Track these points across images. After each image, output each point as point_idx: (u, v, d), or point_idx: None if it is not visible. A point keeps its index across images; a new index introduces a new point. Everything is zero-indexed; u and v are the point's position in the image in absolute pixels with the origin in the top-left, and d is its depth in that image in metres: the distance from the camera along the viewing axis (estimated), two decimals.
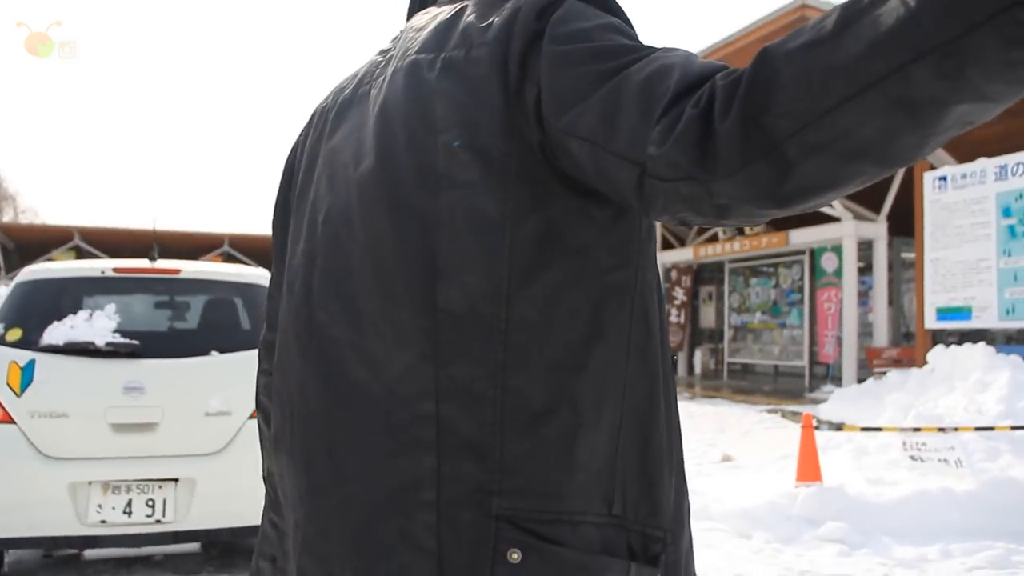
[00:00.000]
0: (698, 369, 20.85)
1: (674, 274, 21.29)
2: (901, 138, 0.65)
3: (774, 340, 18.68)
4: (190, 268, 4.97)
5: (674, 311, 21.23)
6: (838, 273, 15.59)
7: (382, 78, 1.02)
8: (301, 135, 1.19)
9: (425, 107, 0.92)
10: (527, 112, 0.87)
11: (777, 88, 0.67)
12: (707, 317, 21.60)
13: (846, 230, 15.19)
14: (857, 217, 15.33)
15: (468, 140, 0.88)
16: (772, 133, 0.67)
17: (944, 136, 0.66)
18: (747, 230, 19.20)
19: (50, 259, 35.24)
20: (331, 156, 1.05)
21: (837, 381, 15.33)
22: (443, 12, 1.01)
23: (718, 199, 0.73)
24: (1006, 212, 10.45)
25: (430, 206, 0.89)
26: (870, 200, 16.15)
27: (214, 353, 4.49)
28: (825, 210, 15.68)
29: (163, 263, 4.89)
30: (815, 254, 16.25)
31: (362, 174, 0.96)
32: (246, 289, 4.97)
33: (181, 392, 4.32)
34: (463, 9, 0.98)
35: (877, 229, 15.31)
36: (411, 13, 1.17)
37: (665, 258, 21.38)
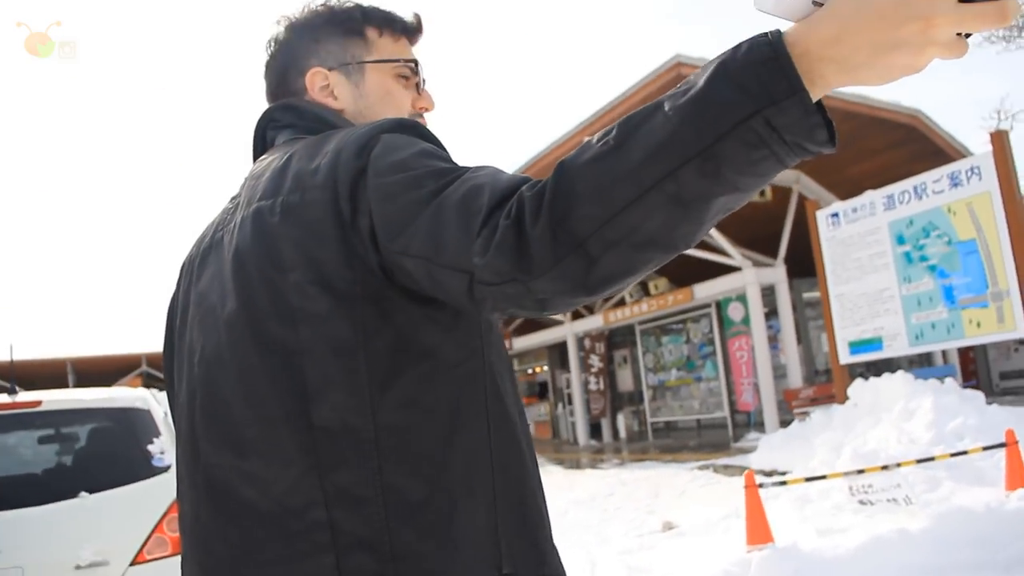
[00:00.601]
0: (623, 433, 20.57)
1: (587, 342, 21.12)
2: (679, 227, 0.81)
3: (692, 395, 18.59)
4: (53, 397, 4.38)
5: (592, 379, 21.00)
6: (746, 321, 15.63)
7: (232, 224, 1.12)
8: (176, 286, 1.28)
9: (273, 250, 1.02)
10: (364, 240, 0.97)
11: (576, 195, 0.80)
12: (625, 380, 21.45)
13: (748, 278, 15.28)
14: (756, 264, 15.48)
15: (315, 277, 0.99)
16: (576, 233, 0.80)
17: (712, 222, 0.83)
18: (651, 289, 19.24)
19: None
20: (200, 300, 1.14)
21: (760, 427, 15.22)
22: (275, 159, 1.13)
23: (538, 295, 0.86)
24: (899, 240, 10.59)
25: (291, 337, 1.00)
26: (766, 247, 16.36)
27: (84, 494, 3.89)
28: (725, 261, 15.80)
29: (23, 396, 4.28)
30: (721, 305, 16.33)
31: (228, 315, 1.06)
32: (121, 416, 4.34)
33: (45, 546, 3.70)
34: (291, 155, 1.10)
35: (777, 273, 15.46)
36: (255, 158, 1.29)
37: (576, 327, 21.23)
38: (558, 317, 21.40)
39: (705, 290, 16.84)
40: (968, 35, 0.74)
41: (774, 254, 15.87)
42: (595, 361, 21.11)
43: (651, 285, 19.41)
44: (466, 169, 0.96)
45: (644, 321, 19.78)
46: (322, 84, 1.26)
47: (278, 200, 1.05)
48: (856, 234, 11.22)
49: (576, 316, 21.66)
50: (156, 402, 4.54)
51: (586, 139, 0.85)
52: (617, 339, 21.58)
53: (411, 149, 1.00)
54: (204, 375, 1.10)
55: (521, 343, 24.88)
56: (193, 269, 1.21)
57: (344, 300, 0.99)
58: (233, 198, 1.21)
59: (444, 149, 1.06)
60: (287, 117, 1.25)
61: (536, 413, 25.67)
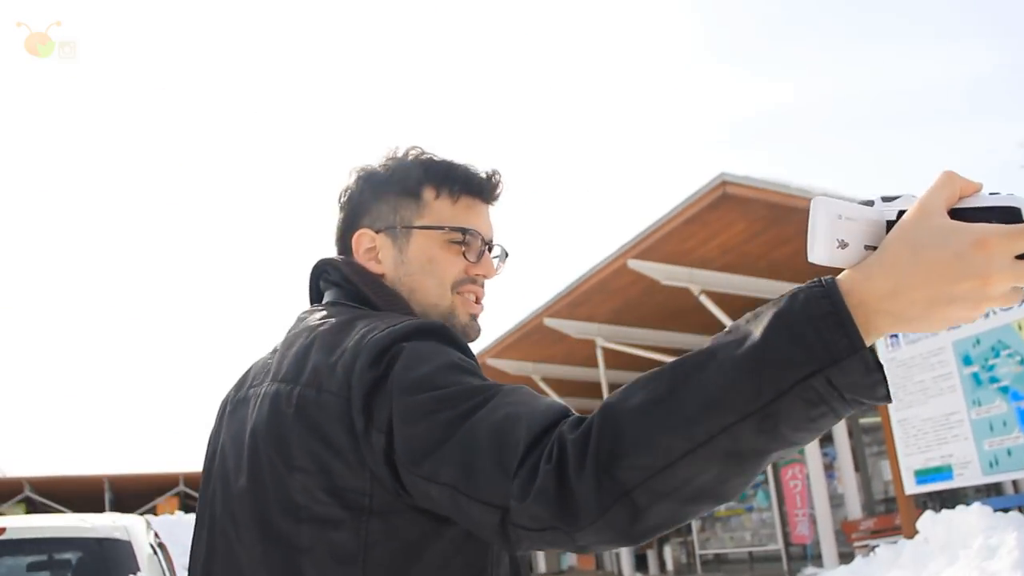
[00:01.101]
0: (670, 565, 19.63)
1: None
2: (731, 480, 0.80)
3: (744, 525, 17.74)
4: (20, 524, 3.93)
5: None
6: (800, 448, 14.98)
7: (261, 390, 1.11)
8: (215, 423, 1.25)
9: (284, 443, 1.01)
10: (376, 456, 0.94)
11: (624, 444, 0.78)
12: None
13: None
14: None
15: (324, 484, 0.97)
16: (623, 483, 0.78)
17: (761, 472, 0.83)
18: None
19: (154, 508, 33.43)
20: (222, 457, 1.15)
21: (818, 561, 14.37)
22: (302, 335, 1.11)
23: (580, 540, 0.83)
24: (966, 360, 10.10)
25: (294, 533, 0.99)
26: None
27: None
28: None
29: None
30: None
31: (239, 490, 1.07)
32: (96, 547, 3.77)
33: None
34: (314, 340, 1.07)
35: None
36: (311, 302, 1.29)
37: None
38: None
39: None
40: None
41: None
42: None
43: None
44: (498, 389, 0.93)
45: None
46: (368, 246, 1.24)
47: (295, 390, 1.04)
48: (918, 355, 10.73)
49: None
50: (142, 532, 4.00)
51: (633, 380, 0.84)
52: None
53: (437, 361, 0.96)
54: (219, 537, 1.11)
55: None
56: (224, 415, 1.22)
57: (352, 510, 0.97)
58: (273, 351, 1.20)
59: (470, 355, 1.04)
60: (333, 275, 1.24)
61: None
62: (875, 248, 0.77)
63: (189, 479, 29.89)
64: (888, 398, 0.76)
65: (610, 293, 15.36)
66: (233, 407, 1.18)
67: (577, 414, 0.86)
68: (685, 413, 0.77)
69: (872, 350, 0.75)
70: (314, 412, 0.99)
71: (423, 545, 0.98)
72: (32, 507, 35.40)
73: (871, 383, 0.75)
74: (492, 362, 18.36)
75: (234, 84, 77.33)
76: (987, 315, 9.92)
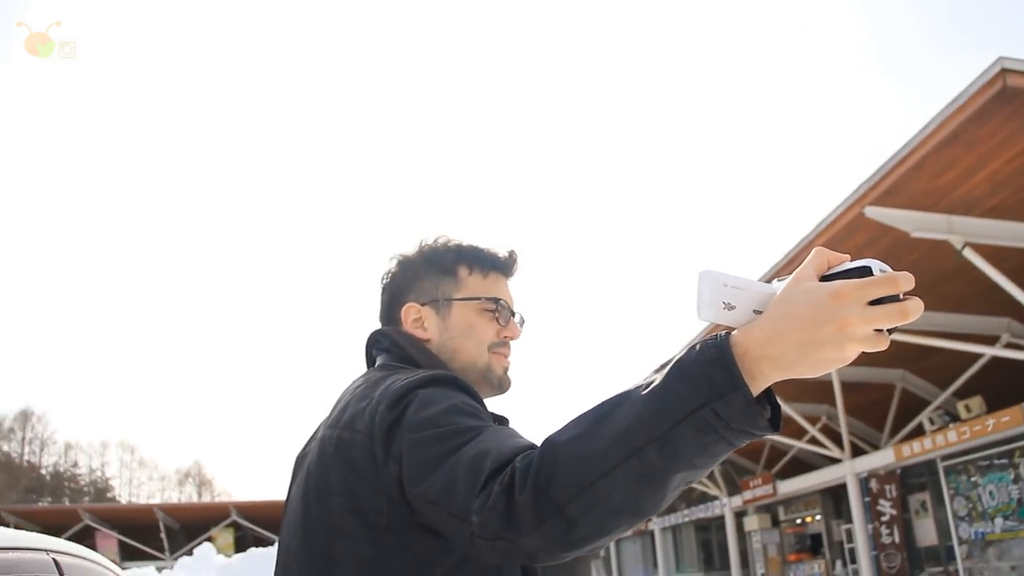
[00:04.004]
0: None
1: (874, 484, 17.02)
2: (645, 498, 0.96)
3: None
4: None
5: (883, 529, 16.75)
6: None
7: (318, 436, 1.35)
8: (291, 478, 1.45)
9: (325, 474, 1.25)
10: (392, 482, 1.15)
11: (558, 468, 0.96)
12: (926, 532, 16.94)
13: None
14: None
15: (352, 504, 1.20)
16: (557, 500, 0.95)
17: (676, 491, 0.99)
18: (961, 412, 15.10)
19: (209, 537, 34.78)
20: (290, 501, 1.37)
21: None
22: (350, 389, 1.38)
23: (525, 548, 1.00)
24: None
25: (330, 548, 1.22)
26: None
27: None
28: None
29: None
30: None
31: (295, 521, 1.30)
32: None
33: None
34: (354, 394, 1.31)
35: None
36: (368, 366, 1.53)
37: (859, 466, 17.28)
38: (834, 454, 17.52)
39: None
40: (890, 330, 0.89)
41: None
42: (885, 507, 16.91)
43: (960, 407, 15.24)
44: (485, 429, 1.12)
45: (951, 455, 15.52)
46: (414, 317, 1.47)
47: (335, 432, 1.26)
48: None
49: (857, 452, 17.65)
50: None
51: (570, 419, 1.02)
52: (913, 479, 17.21)
53: (442, 404, 1.17)
54: (282, 565, 1.33)
55: (787, 487, 20.92)
56: (295, 469, 1.42)
57: (372, 527, 1.18)
58: (332, 408, 1.39)
59: (476, 398, 1.26)
60: (384, 342, 1.47)
61: (808, 572, 21.28)
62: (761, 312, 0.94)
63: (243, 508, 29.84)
64: (771, 429, 0.94)
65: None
66: (299, 460, 1.42)
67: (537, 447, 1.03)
68: (604, 442, 0.95)
69: (769, 390, 0.96)
70: (348, 448, 1.22)
71: (432, 556, 1.18)
72: (240, 531, 36.08)
73: (752, 415, 0.90)
74: None
75: (234, 84, 77.73)
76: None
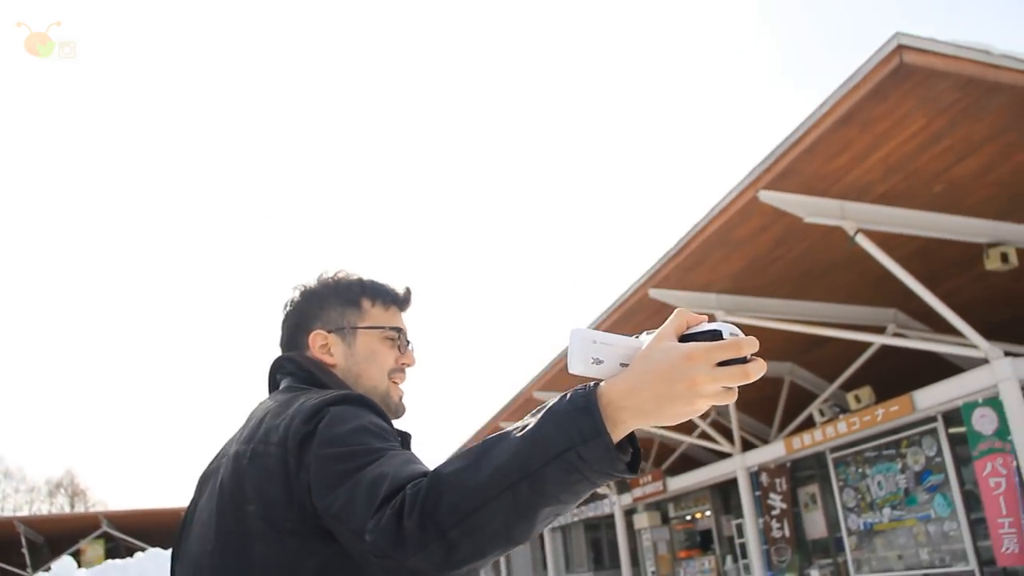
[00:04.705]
0: None
1: (764, 478, 16.87)
2: (517, 527, 1.06)
3: (917, 540, 14.00)
4: None
5: (774, 523, 16.62)
6: (1002, 434, 11.31)
7: (229, 452, 1.42)
8: (193, 495, 1.53)
9: (240, 485, 1.32)
10: (303, 490, 1.23)
11: (441, 498, 1.06)
12: (815, 525, 16.90)
13: (1001, 373, 11.13)
14: (1008, 355, 11.30)
15: (265, 511, 1.27)
16: (440, 524, 1.05)
17: (545, 522, 1.09)
18: (851, 403, 15.06)
19: (78, 550, 32.70)
20: (198, 514, 1.43)
21: None
22: (261, 409, 1.46)
23: (410, 567, 1.08)
24: None
25: (247, 553, 1.28)
26: (1017, 331, 12.22)
27: None
28: (962, 351, 11.70)
29: None
30: (962, 413, 11.93)
31: (208, 531, 1.35)
32: None
33: None
34: (268, 412, 1.40)
35: None
36: (269, 391, 1.61)
37: (749, 460, 17.11)
38: (724, 448, 17.33)
39: (931, 396, 12.65)
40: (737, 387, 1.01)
41: None
42: (776, 501, 16.80)
43: (850, 398, 15.20)
44: (387, 452, 1.21)
45: (840, 447, 15.48)
46: (321, 343, 1.56)
47: (250, 447, 1.34)
48: None
49: (748, 447, 17.51)
50: None
51: (455, 453, 1.13)
52: (803, 472, 17.18)
53: (352, 424, 1.26)
54: (191, 572, 1.38)
55: (677, 484, 20.72)
56: (201, 487, 1.48)
57: (282, 532, 1.25)
58: (240, 429, 1.48)
59: (383, 418, 1.35)
60: (289, 366, 1.55)
61: (698, 569, 21.13)
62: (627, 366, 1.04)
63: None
64: (629, 472, 1.05)
65: (734, 246, 11.99)
66: (205, 478, 1.48)
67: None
68: (483, 475, 1.05)
69: (630, 438, 1.08)
70: (263, 460, 1.30)
71: (339, 560, 1.23)
72: (111, 543, 33.98)
73: (611, 459, 1.01)
74: None
75: (234, 84, 76.53)
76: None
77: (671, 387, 0.98)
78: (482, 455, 1.07)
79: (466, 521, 1.04)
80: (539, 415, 1.06)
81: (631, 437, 1.08)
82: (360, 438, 1.23)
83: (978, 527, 12.91)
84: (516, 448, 1.04)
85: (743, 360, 0.98)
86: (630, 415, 1.01)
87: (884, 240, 11.12)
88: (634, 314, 14.26)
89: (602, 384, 1.04)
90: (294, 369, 1.54)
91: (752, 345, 0.99)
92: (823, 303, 14.12)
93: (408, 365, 1.62)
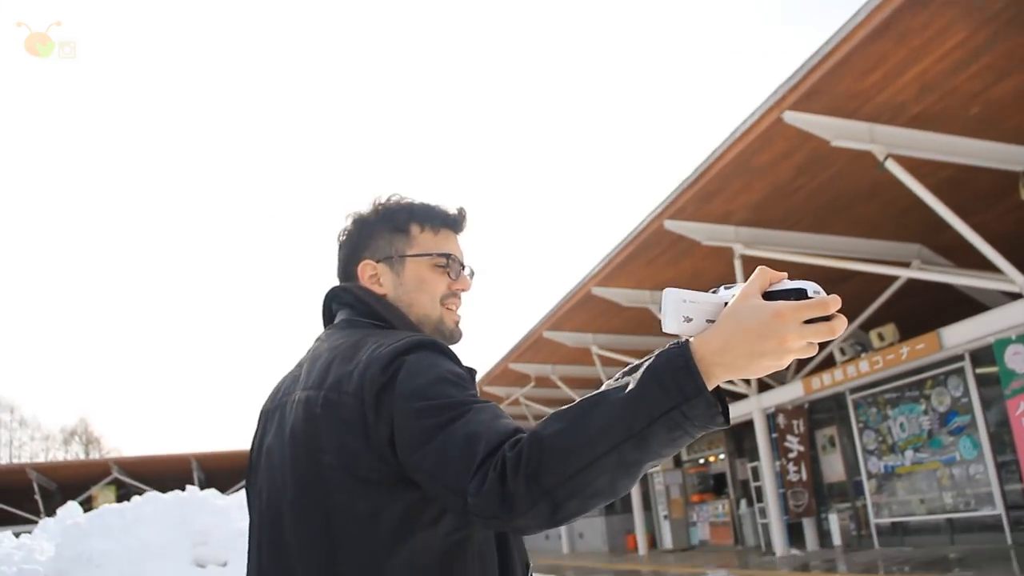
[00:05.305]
0: (836, 539, 15.54)
1: (781, 420, 16.37)
2: (619, 483, 1.10)
3: (941, 483, 13.55)
4: None
5: (791, 467, 16.17)
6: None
7: (293, 399, 1.43)
8: (255, 430, 1.58)
9: (315, 433, 1.33)
10: (381, 442, 1.25)
11: (545, 459, 1.08)
12: (833, 468, 16.46)
13: None
14: None
15: (343, 461, 1.28)
16: (544, 487, 1.08)
17: (641, 475, 1.14)
18: (874, 340, 14.48)
19: (90, 496, 32.78)
20: (268, 453, 1.45)
21: None
22: (324, 351, 1.44)
23: (516, 527, 1.14)
24: None
25: (325, 502, 1.30)
26: None
27: None
28: (995, 285, 11.08)
29: None
30: (993, 351, 11.33)
31: (284, 477, 1.37)
32: None
33: None
34: (335, 355, 1.38)
35: None
36: (324, 323, 1.62)
37: (765, 401, 16.60)
38: (740, 388, 16.83)
39: (960, 333, 12.06)
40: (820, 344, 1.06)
41: None
42: (793, 443, 16.33)
43: (873, 335, 14.62)
44: (472, 405, 1.22)
45: (860, 388, 14.96)
46: (371, 274, 1.55)
47: (321, 393, 1.34)
48: None
49: (764, 387, 17.00)
50: None
51: (551, 414, 1.14)
52: (822, 413, 16.69)
53: (430, 374, 1.26)
54: (269, 517, 1.40)
55: None
56: (265, 423, 1.51)
57: (365, 482, 1.27)
58: (299, 364, 1.52)
59: (458, 363, 1.34)
60: (346, 297, 1.55)
61: (712, 513, 20.82)
62: (714, 322, 1.08)
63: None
64: (726, 424, 1.10)
65: (754, 174, 11.34)
66: (269, 416, 1.50)
67: (522, 433, 1.14)
68: (586, 438, 1.07)
69: (716, 389, 1.09)
70: (337, 408, 1.30)
71: (422, 505, 1.27)
72: (123, 489, 34.01)
73: (712, 414, 1.06)
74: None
75: (234, 84, 76.28)
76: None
77: (762, 344, 1.03)
78: (582, 416, 1.10)
79: (572, 481, 1.08)
80: (638, 374, 1.09)
81: (717, 389, 1.11)
82: (442, 388, 1.25)
83: (1005, 470, 12.43)
84: (620, 409, 1.07)
85: (827, 318, 1.03)
86: (722, 370, 1.06)
87: (914, 167, 10.44)
88: (648, 247, 13.66)
89: (693, 341, 1.08)
90: (352, 301, 1.54)
91: (836, 303, 1.03)
92: (845, 237, 13.48)
93: (463, 290, 1.59)
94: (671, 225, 12.57)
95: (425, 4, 78.46)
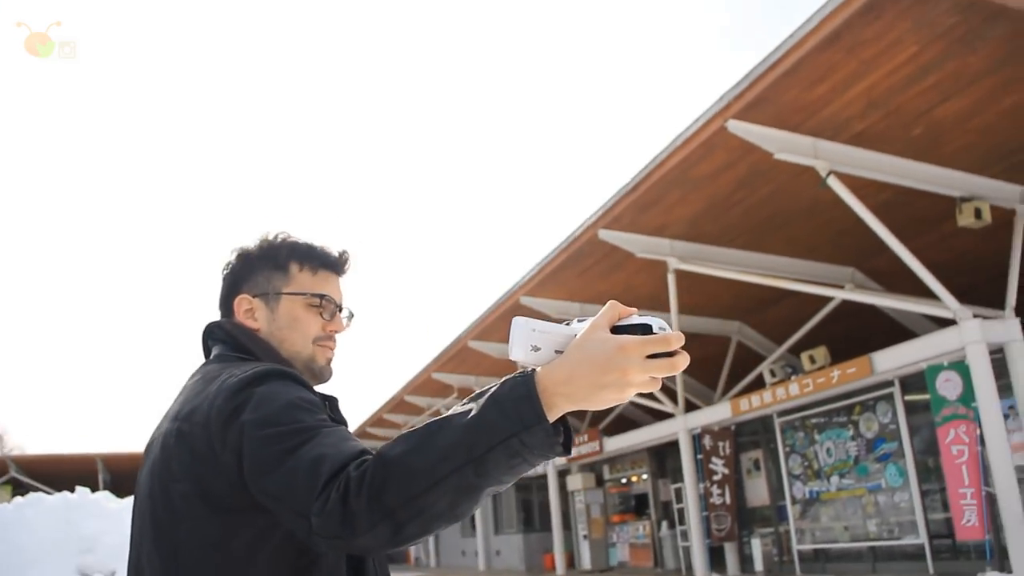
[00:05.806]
0: (759, 565, 15.28)
1: (707, 441, 16.06)
2: (460, 507, 1.10)
3: (865, 511, 13.37)
4: None
5: (715, 489, 15.88)
6: (966, 399, 10.58)
7: (162, 429, 1.43)
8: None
9: (168, 464, 1.34)
10: (229, 469, 1.25)
11: (387, 480, 1.08)
12: (757, 492, 16.23)
13: (969, 335, 10.37)
14: (977, 316, 10.55)
15: (195, 490, 1.29)
16: (386, 507, 1.08)
17: (483, 501, 1.14)
18: (805, 363, 14.29)
19: None
20: (138, 486, 1.46)
21: (1005, 563, 10.07)
22: (190, 382, 1.47)
23: (358, 545, 1.13)
24: None
25: (177, 531, 1.31)
26: (987, 294, 11.50)
27: None
28: (930, 310, 10.95)
29: None
30: (925, 377, 11.13)
31: (143, 509, 1.40)
32: None
33: None
34: (193, 388, 1.41)
35: (1007, 329, 10.53)
36: (204, 357, 1.60)
37: (691, 421, 16.30)
38: (667, 409, 16.51)
39: (892, 358, 11.89)
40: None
41: (999, 303, 11.01)
42: (718, 465, 16.05)
43: (804, 358, 14.41)
44: (320, 429, 1.23)
45: (788, 411, 14.74)
46: (246, 308, 1.56)
47: (176, 425, 1.36)
48: None
49: (690, 407, 16.71)
50: None
51: (398, 435, 1.14)
52: (748, 436, 16.45)
53: (279, 401, 1.27)
54: (134, 547, 1.42)
55: (614, 444, 19.89)
56: (145, 456, 1.49)
57: (214, 509, 1.28)
58: (175, 399, 1.49)
59: (309, 389, 1.37)
60: (218, 333, 1.55)
61: (632, 534, 20.46)
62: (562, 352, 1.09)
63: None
64: (566, 453, 1.13)
65: (693, 186, 11.00)
66: (148, 448, 1.48)
67: (368, 455, 1.15)
68: (430, 459, 1.07)
69: (562, 419, 1.12)
70: (188, 439, 1.32)
71: (270, 533, 1.27)
72: (20, 489, 32.42)
73: (551, 443, 1.07)
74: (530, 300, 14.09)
75: (234, 84, 75.58)
76: None
77: (604, 376, 1.04)
78: (426, 439, 1.11)
79: (414, 502, 1.08)
80: (481, 401, 1.10)
81: (562, 419, 1.12)
82: (291, 415, 1.25)
83: (929, 498, 12.29)
84: (462, 433, 1.08)
85: (670, 354, 1.04)
86: (564, 400, 1.07)
87: (856, 187, 10.23)
88: (582, 257, 13.24)
89: (539, 371, 1.09)
90: (223, 336, 1.55)
91: (679, 340, 1.04)
92: (781, 256, 13.26)
93: (336, 332, 1.60)
94: (606, 235, 12.16)
95: (348, 9, 78.11)
